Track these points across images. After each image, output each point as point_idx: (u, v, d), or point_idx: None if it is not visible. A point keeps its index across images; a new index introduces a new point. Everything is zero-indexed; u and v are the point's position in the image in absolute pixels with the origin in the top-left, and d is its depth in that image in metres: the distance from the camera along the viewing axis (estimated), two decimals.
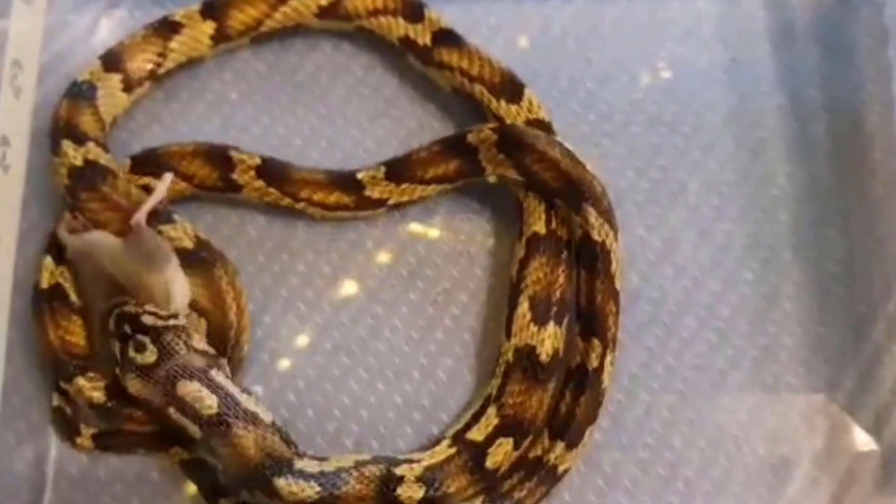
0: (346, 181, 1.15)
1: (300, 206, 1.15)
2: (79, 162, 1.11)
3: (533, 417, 1.07)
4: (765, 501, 1.10)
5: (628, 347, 1.13)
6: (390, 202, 1.15)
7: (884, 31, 1.17)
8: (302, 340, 1.15)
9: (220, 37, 1.20)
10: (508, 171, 1.12)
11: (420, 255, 1.18)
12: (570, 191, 1.10)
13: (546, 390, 1.08)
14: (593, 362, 1.07)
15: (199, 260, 1.10)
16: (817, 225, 1.19)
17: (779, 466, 1.11)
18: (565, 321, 1.10)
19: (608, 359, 1.07)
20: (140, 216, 1.08)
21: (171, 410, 1.01)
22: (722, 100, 1.24)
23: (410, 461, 1.05)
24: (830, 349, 1.15)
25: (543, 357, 1.08)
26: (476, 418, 1.08)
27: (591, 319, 1.09)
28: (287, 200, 1.15)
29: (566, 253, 1.11)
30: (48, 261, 1.11)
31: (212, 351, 1.05)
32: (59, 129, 1.13)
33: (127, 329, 1.03)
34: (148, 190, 1.11)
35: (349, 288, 1.17)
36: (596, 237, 1.09)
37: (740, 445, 1.12)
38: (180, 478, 1.08)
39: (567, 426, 1.07)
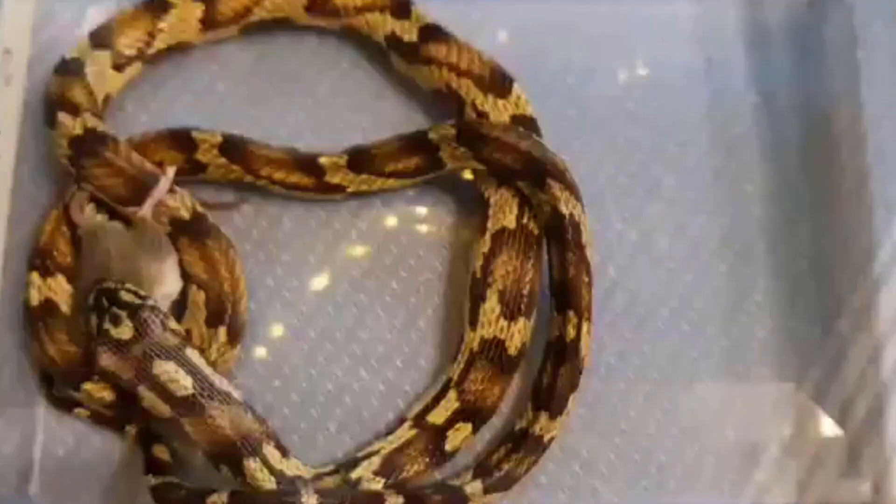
0: (308, 164, 1.15)
1: (262, 182, 1.15)
2: (78, 130, 1.11)
3: (493, 405, 1.09)
4: (735, 485, 1.13)
5: (605, 338, 1.15)
6: (349, 190, 1.16)
7: (853, 34, 1.20)
8: (287, 328, 1.16)
9: (208, 21, 1.20)
10: (469, 163, 1.13)
11: (403, 247, 1.19)
12: (532, 169, 1.10)
13: (508, 382, 1.10)
14: (570, 333, 1.07)
15: (193, 231, 1.11)
16: (788, 220, 1.21)
17: (749, 452, 1.14)
18: (534, 313, 1.11)
19: (584, 328, 1.07)
20: (145, 210, 1.09)
21: (142, 388, 1.01)
22: (698, 98, 1.26)
23: (370, 455, 1.06)
24: (799, 341, 1.17)
25: (512, 351, 1.09)
26: (436, 401, 1.09)
27: (565, 292, 1.08)
28: (249, 177, 1.15)
29: (536, 248, 1.12)
30: (34, 276, 1.11)
31: (184, 333, 1.06)
32: (53, 103, 1.13)
33: (104, 303, 1.04)
34: None
35: (334, 277, 1.18)
36: (563, 210, 1.09)
37: (712, 432, 1.14)
38: None
39: (550, 397, 1.07)
